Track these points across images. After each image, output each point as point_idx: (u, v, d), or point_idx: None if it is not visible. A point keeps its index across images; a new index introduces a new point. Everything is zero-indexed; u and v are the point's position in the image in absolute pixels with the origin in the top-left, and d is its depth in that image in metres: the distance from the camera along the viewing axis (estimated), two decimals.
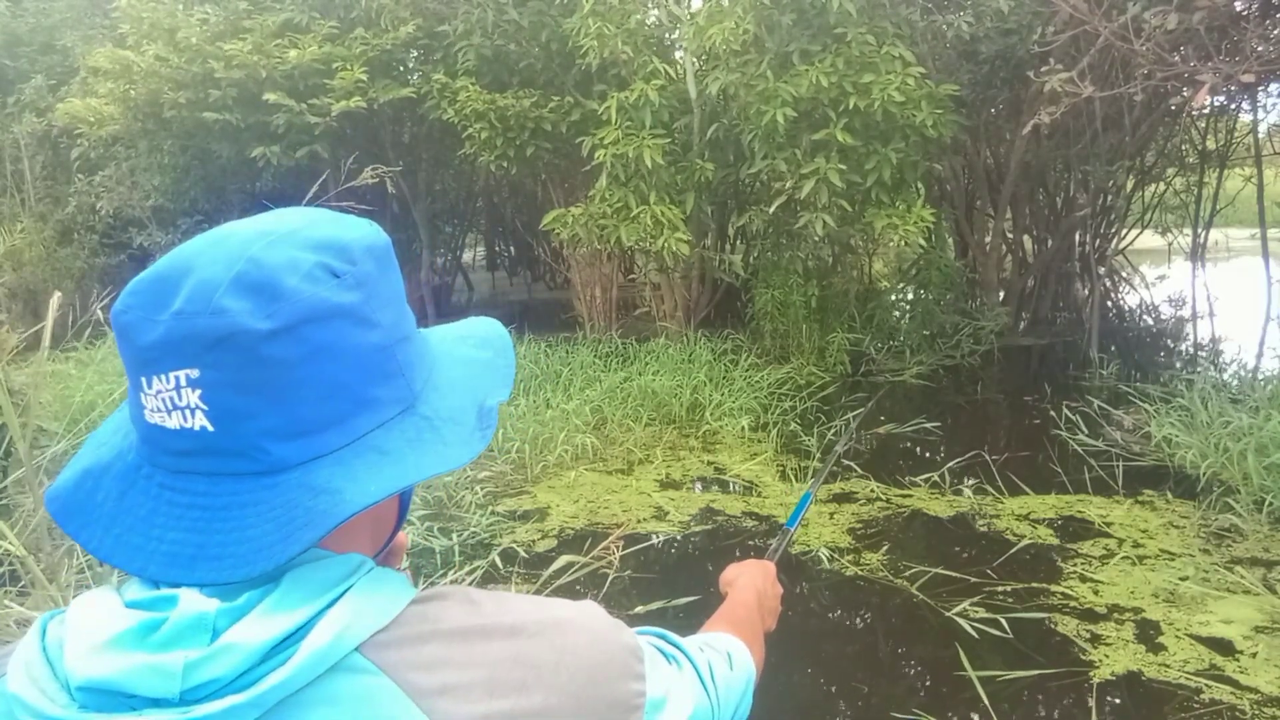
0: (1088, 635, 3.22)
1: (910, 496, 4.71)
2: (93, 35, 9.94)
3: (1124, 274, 13.33)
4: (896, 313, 9.07)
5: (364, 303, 0.56)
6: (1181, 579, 3.57)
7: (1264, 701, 2.79)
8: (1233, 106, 10.08)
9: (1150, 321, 10.37)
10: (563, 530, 4.44)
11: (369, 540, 0.61)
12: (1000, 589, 3.60)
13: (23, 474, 2.50)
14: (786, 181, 6.72)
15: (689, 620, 3.26)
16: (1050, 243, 9.44)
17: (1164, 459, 4.94)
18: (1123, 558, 3.82)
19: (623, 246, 7.40)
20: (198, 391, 0.51)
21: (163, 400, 0.52)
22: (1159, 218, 13.17)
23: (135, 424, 0.55)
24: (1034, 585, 3.62)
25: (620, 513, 4.63)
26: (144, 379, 0.52)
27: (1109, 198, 9.98)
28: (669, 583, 3.76)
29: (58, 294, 2.41)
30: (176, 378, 0.51)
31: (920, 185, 7.91)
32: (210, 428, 0.51)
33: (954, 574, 3.72)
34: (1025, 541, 4.01)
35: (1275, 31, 5.71)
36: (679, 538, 4.36)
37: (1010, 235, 9.61)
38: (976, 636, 3.22)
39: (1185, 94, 6.40)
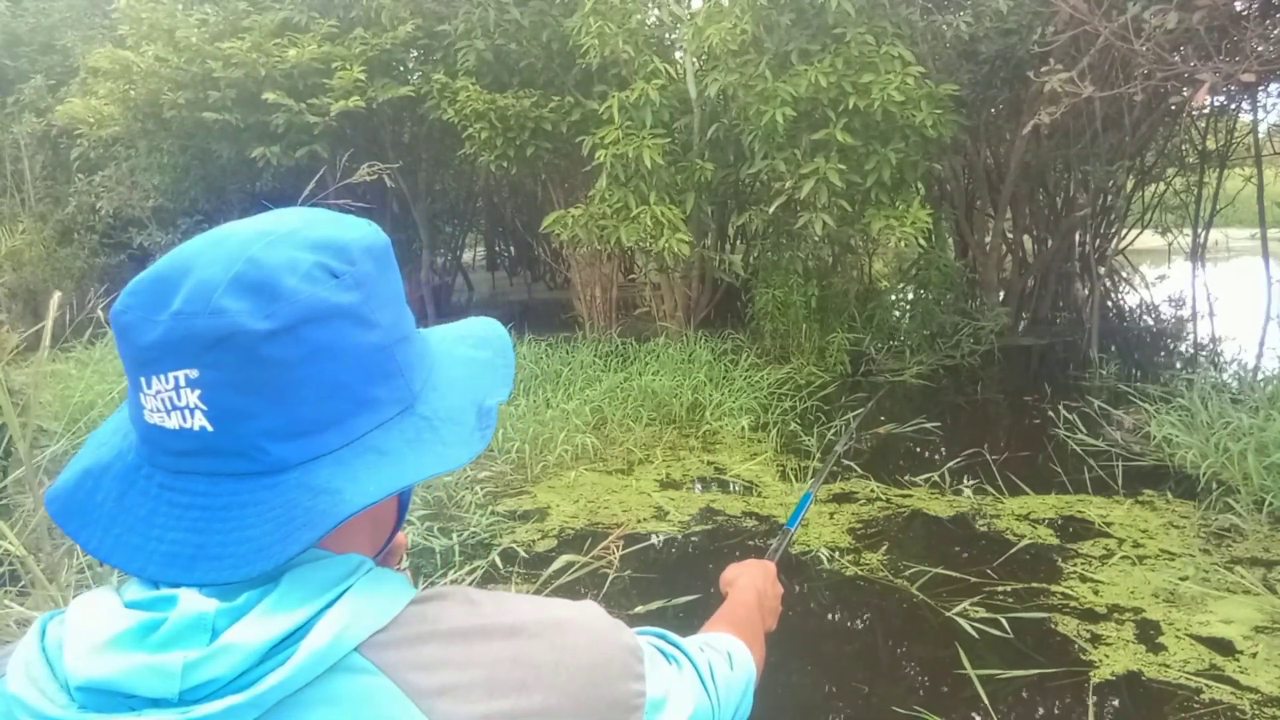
0: (1088, 635, 3.22)
1: (910, 496, 4.71)
2: (92, 35, 9.95)
3: (1124, 274, 13.34)
4: (896, 313, 9.08)
5: (363, 303, 0.56)
6: (1181, 579, 3.57)
7: (1264, 701, 2.79)
8: (1233, 106, 10.08)
9: (1150, 321, 10.37)
10: (563, 530, 4.44)
11: (368, 540, 0.61)
12: (1000, 589, 3.60)
13: (23, 474, 2.50)
14: (786, 181, 6.72)
15: (689, 620, 3.27)
16: (1050, 243, 9.45)
17: (1164, 459, 4.94)
18: (1123, 558, 3.82)
19: (623, 247, 7.40)
20: (197, 391, 0.51)
21: (162, 400, 0.52)
22: (1159, 218, 13.17)
23: (135, 424, 0.55)
24: (1034, 585, 3.62)
25: (620, 513, 4.63)
26: (143, 379, 0.52)
27: (1109, 198, 9.98)
28: (669, 583, 3.76)
29: (57, 294, 2.41)
30: (176, 378, 0.51)
31: (920, 185, 7.91)
32: (210, 428, 0.51)
33: (954, 574, 3.72)
34: (1025, 541, 4.01)
35: (1275, 31, 5.71)
36: (679, 538, 4.36)
37: (1010, 235, 9.61)
38: (976, 636, 3.22)
39: (1185, 94, 6.40)
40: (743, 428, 5.90)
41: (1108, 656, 3.08)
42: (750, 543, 4.24)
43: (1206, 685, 2.88)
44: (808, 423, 5.96)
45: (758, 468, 5.28)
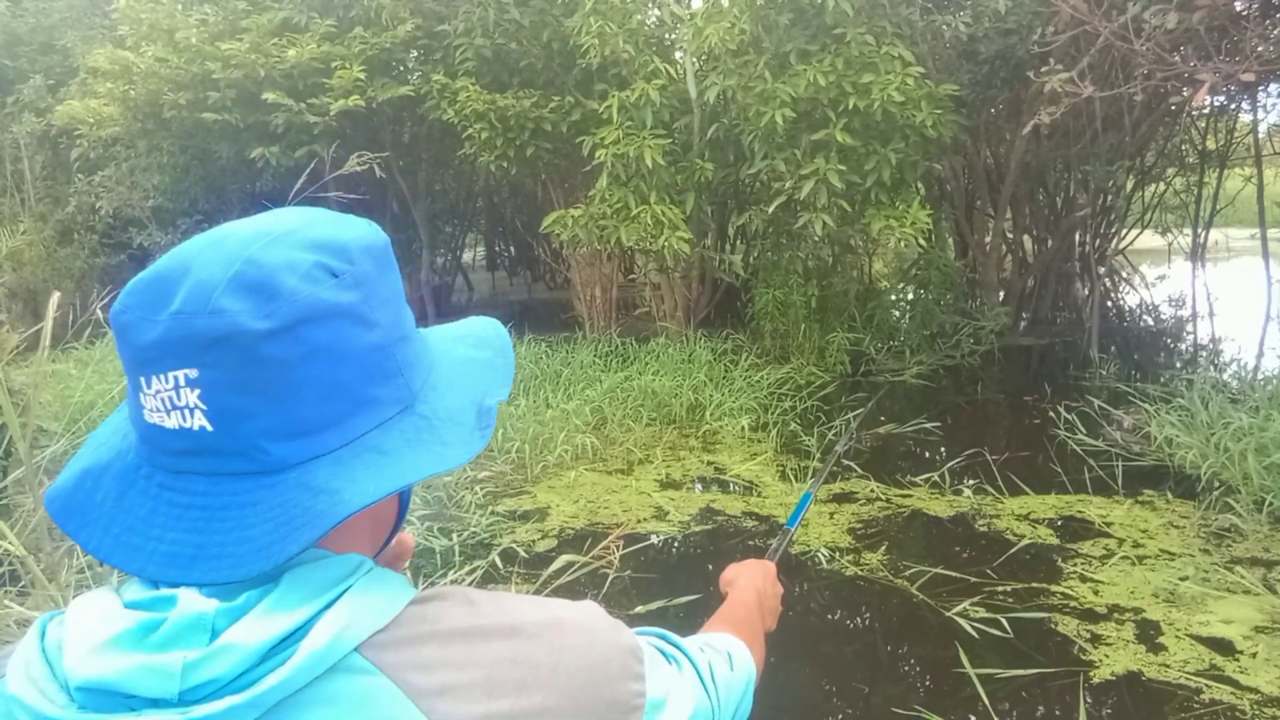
0: (1088, 635, 3.22)
1: (910, 496, 4.71)
2: (92, 35, 9.96)
3: (1124, 274, 13.33)
4: (896, 313, 9.08)
5: (362, 302, 0.55)
6: (1181, 579, 3.57)
7: (1264, 701, 2.79)
8: (1233, 106, 10.08)
9: (1150, 321, 10.37)
10: (563, 530, 4.44)
11: (368, 540, 0.61)
12: (1000, 589, 3.60)
13: (23, 474, 2.50)
14: (786, 182, 6.72)
15: (689, 620, 3.27)
16: (1050, 243, 9.45)
17: (1164, 459, 4.94)
18: (1123, 558, 3.82)
19: (623, 247, 7.40)
20: (196, 391, 0.51)
21: (162, 400, 0.52)
22: (1159, 218, 13.17)
23: (134, 424, 0.55)
24: (1034, 585, 3.62)
25: (620, 513, 4.63)
26: (143, 379, 0.52)
27: (1109, 198, 9.98)
28: (669, 583, 3.76)
29: (57, 294, 2.41)
30: (175, 378, 0.51)
31: (920, 185, 7.91)
32: (209, 427, 0.51)
33: (954, 574, 3.72)
34: (1025, 541, 4.01)
35: (1275, 31, 5.71)
36: (679, 538, 4.36)
37: (1010, 235, 9.61)
38: (976, 636, 3.22)
39: (1185, 94, 6.40)
40: (743, 428, 5.90)
41: (1108, 656, 3.08)
42: (750, 543, 4.24)
43: (1206, 685, 2.88)
44: (808, 423, 5.96)
45: (758, 468, 5.28)
